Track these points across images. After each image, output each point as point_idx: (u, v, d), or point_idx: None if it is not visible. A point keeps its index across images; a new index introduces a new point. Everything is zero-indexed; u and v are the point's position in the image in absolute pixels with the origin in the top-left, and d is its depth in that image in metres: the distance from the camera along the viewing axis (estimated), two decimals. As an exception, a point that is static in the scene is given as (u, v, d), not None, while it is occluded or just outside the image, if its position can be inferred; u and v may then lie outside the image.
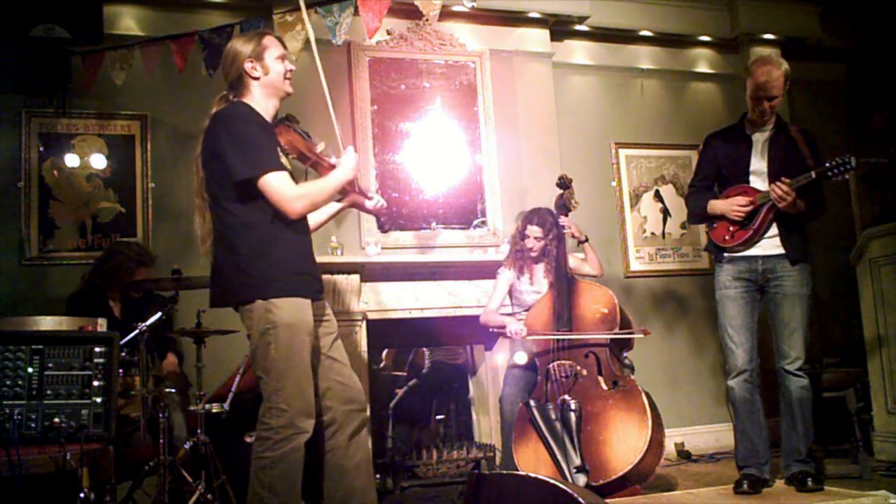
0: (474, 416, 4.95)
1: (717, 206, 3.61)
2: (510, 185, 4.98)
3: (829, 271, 5.07)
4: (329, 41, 4.13)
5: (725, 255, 3.62)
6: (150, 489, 3.34)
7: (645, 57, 5.75)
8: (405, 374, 5.51)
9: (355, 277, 4.40)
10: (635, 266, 5.50)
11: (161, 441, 3.23)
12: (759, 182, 3.56)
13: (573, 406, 3.56)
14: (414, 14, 4.54)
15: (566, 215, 3.98)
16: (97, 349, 2.62)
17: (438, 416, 5.27)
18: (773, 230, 3.53)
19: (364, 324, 4.43)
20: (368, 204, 2.93)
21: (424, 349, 5.31)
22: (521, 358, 3.86)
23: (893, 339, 4.22)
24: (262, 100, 2.68)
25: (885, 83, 5.65)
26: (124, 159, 4.57)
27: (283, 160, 2.65)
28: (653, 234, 5.59)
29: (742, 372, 3.53)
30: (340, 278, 4.37)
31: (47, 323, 3.03)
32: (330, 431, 2.69)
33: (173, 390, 3.50)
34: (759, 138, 3.61)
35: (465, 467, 4.28)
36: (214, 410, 3.38)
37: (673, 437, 4.98)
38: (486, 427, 4.78)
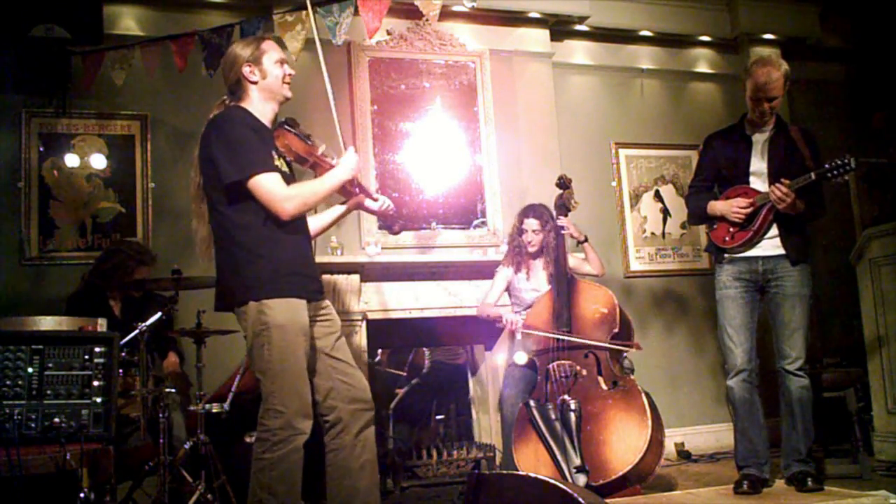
0: (474, 416, 4.95)
1: (717, 207, 3.61)
2: (510, 185, 4.98)
3: (829, 271, 5.07)
4: (329, 41, 4.13)
5: (726, 255, 3.62)
6: (150, 489, 3.35)
7: (645, 57, 5.75)
8: (405, 373, 5.52)
9: (355, 277, 4.40)
10: (635, 266, 5.50)
11: (161, 441, 3.23)
12: (759, 183, 3.56)
13: (573, 406, 3.56)
14: (414, 14, 4.55)
15: (566, 215, 3.98)
16: (97, 349, 2.61)
17: (438, 416, 5.27)
18: (774, 231, 3.53)
19: (364, 324, 4.43)
20: (374, 205, 2.91)
21: (424, 349, 5.32)
22: (521, 358, 3.86)
23: (893, 339, 4.22)
24: (260, 104, 2.68)
25: (885, 83, 5.65)
26: (124, 159, 4.57)
27: (279, 163, 2.64)
28: (653, 234, 5.59)
29: (741, 371, 3.53)
30: (340, 278, 4.37)
31: (47, 323, 3.03)
32: (334, 432, 2.67)
33: (173, 390, 3.49)
34: (760, 139, 3.61)
35: (465, 467, 4.28)
36: (214, 410, 3.38)
37: (673, 437, 4.98)
38: (486, 427, 4.78)
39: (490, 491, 2.38)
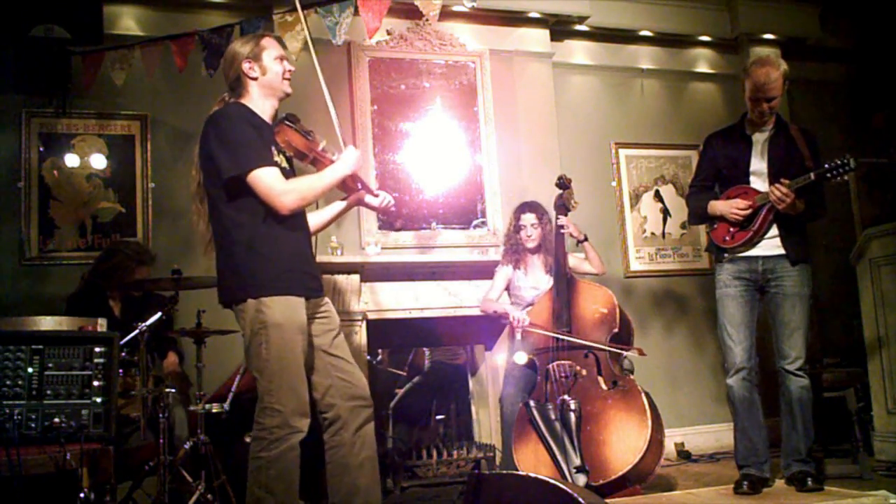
0: (474, 416, 4.95)
1: (716, 207, 3.61)
2: (510, 185, 4.97)
3: (829, 271, 5.07)
4: (329, 41, 4.13)
5: (726, 255, 3.62)
6: (150, 489, 3.35)
7: (645, 57, 5.75)
8: (405, 373, 5.52)
9: (355, 277, 4.40)
10: (635, 266, 5.50)
11: (161, 441, 3.22)
12: (759, 182, 3.56)
13: (573, 406, 3.56)
14: (414, 14, 4.55)
15: (565, 215, 3.98)
16: (97, 349, 2.61)
17: (438, 416, 5.27)
18: (774, 231, 3.53)
19: (364, 324, 4.43)
20: (374, 201, 2.92)
21: (424, 349, 5.32)
22: (521, 358, 3.86)
23: (893, 339, 4.21)
24: (260, 100, 2.68)
25: (885, 83, 5.65)
26: (124, 159, 4.57)
27: (279, 158, 2.64)
28: (653, 234, 5.59)
29: (740, 370, 3.53)
30: (340, 278, 4.37)
31: (47, 323, 3.03)
32: (334, 429, 2.68)
33: (173, 390, 3.49)
34: (760, 138, 3.61)
35: (465, 467, 4.28)
36: (214, 410, 3.38)
37: (673, 437, 4.98)
38: (486, 427, 4.78)
39: (490, 491, 2.38)
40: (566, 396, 3.60)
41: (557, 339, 3.77)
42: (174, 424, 3.54)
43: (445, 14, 4.57)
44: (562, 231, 3.96)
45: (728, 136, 3.73)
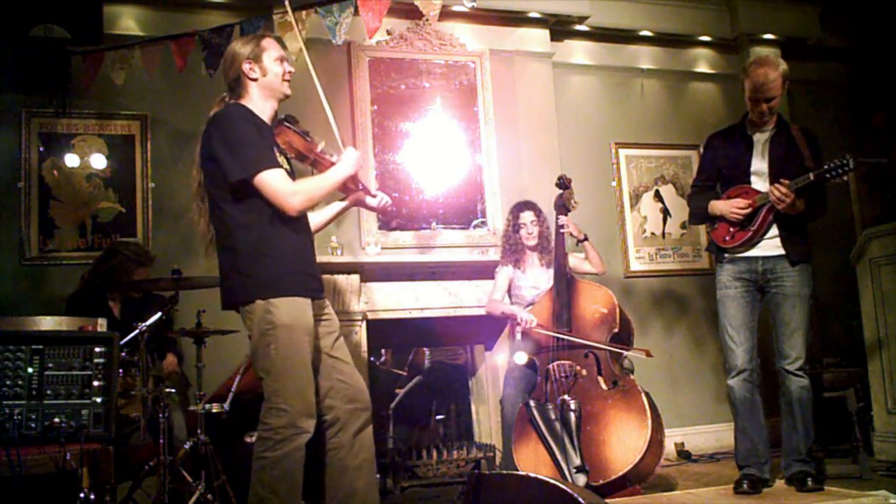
0: (474, 417, 4.95)
1: (717, 206, 3.62)
2: (510, 185, 4.97)
3: (829, 271, 5.06)
4: (329, 41, 4.13)
5: (726, 255, 3.62)
6: (150, 489, 3.34)
7: (645, 57, 5.75)
8: (405, 373, 5.52)
9: (355, 277, 4.40)
10: (635, 266, 5.50)
11: (161, 441, 3.22)
12: (760, 182, 3.56)
13: (573, 406, 3.56)
14: (414, 14, 4.54)
15: (565, 215, 3.98)
16: (97, 349, 2.61)
17: (438, 416, 5.27)
18: (774, 231, 3.53)
19: (364, 324, 4.43)
20: (372, 202, 2.95)
21: (424, 349, 5.32)
22: (521, 358, 3.86)
23: (893, 339, 4.22)
24: (259, 101, 2.68)
25: (885, 83, 5.65)
26: (124, 159, 4.57)
27: (281, 160, 2.65)
28: (653, 234, 5.59)
29: (742, 371, 3.53)
30: (340, 278, 4.37)
31: (47, 323, 3.03)
32: (333, 430, 2.69)
33: (173, 390, 3.49)
34: (760, 138, 3.61)
35: (465, 467, 4.28)
36: (214, 410, 3.38)
37: (673, 437, 4.98)
38: (486, 427, 4.78)
39: (490, 491, 2.38)
40: (566, 396, 3.60)
41: (558, 338, 3.78)
42: (173, 425, 3.54)
43: (445, 14, 4.57)
44: (562, 231, 3.97)
45: (729, 137, 3.73)
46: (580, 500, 2.12)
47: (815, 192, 3.47)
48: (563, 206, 3.98)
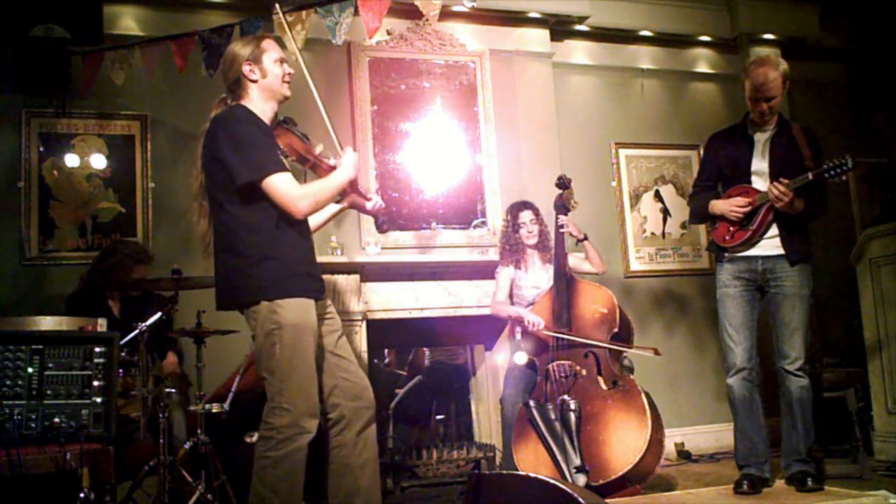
0: (474, 416, 4.95)
1: (717, 206, 3.62)
2: (510, 185, 4.97)
3: (829, 271, 5.06)
4: (329, 41, 4.13)
5: (726, 254, 3.62)
6: (150, 489, 3.34)
7: (645, 57, 5.75)
8: (405, 373, 5.52)
9: (355, 277, 4.40)
10: (635, 266, 5.50)
11: (161, 441, 3.23)
12: (760, 182, 3.56)
13: (573, 406, 3.56)
14: (414, 14, 4.54)
15: (565, 215, 3.98)
16: (97, 349, 2.61)
17: (438, 416, 5.27)
18: (774, 231, 3.54)
19: (364, 324, 4.42)
20: (367, 205, 2.95)
21: (424, 349, 5.32)
22: (521, 358, 3.86)
23: (893, 339, 4.22)
24: (259, 102, 2.68)
25: (885, 83, 5.65)
26: (124, 159, 4.57)
27: (283, 162, 2.65)
28: (653, 234, 5.59)
29: (741, 370, 3.54)
30: (340, 278, 4.37)
31: (47, 323, 3.03)
32: (337, 429, 2.70)
33: (173, 390, 3.49)
34: (761, 138, 3.61)
35: (465, 467, 4.28)
36: (214, 410, 3.38)
37: (673, 437, 4.98)
38: (486, 427, 4.78)
39: (490, 491, 2.39)
40: (566, 396, 3.60)
41: (558, 338, 3.78)
42: (173, 425, 3.54)
43: (445, 14, 4.57)
44: (561, 231, 3.96)
45: (730, 136, 3.73)
46: (580, 500, 2.12)
47: (816, 192, 3.47)
48: (563, 206, 3.98)
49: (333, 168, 2.76)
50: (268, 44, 2.70)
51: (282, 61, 2.71)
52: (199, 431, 3.31)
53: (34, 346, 2.57)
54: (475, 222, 4.94)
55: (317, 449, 2.66)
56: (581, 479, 3.37)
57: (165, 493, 3.17)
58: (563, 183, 3.98)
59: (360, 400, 2.73)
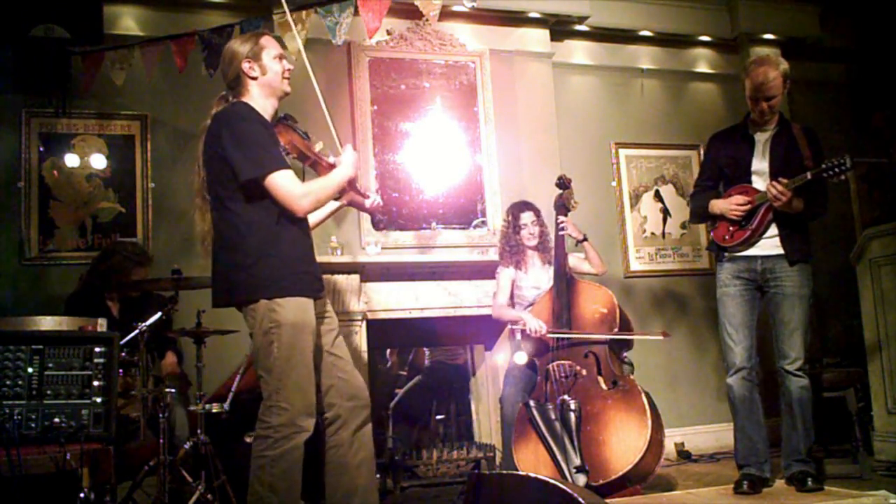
0: (474, 416, 4.95)
1: (717, 205, 3.62)
2: (510, 185, 4.97)
3: (829, 271, 5.06)
4: (329, 41, 4.13)
5: (726, 254, 3.62)
6: (150, 489, 3.34)
7: (645, 57, 5.75)
8: (405, 373, 5.52)
9: (355, 277, 4.40)
10: (635, 266, 5.50)
11: (161, 441, 3.23)
12: (760, 182, 3.56)
13: (573, 406, 3.56)
14: (414, 14, 4.54)
15: (565, 215, 3.98)
16: (97, 349, 2.62)
17: (438, 416, 5.27)
18: (773, 230, 3.54)
19: (364, 324, 4.42)
20: (366, 202, 2.96)
21: (424, 349, 5.32)
22: (521, 358, 3.85)
23: (893, 339, 4.21)
24: (260, 99, 2.68)
25: (885, 83, 5.65)
26: (124, 159, 4.57)
27: (286, 159, 2.65)
28: (653, 234, 5.59)
29: (740, 370, 3.54)
30: (340, 278, 4.37)
31: (47, 323, 3.03)
32: (333, 428, 2.70)
33: (173, 390, 3.49)
34: (762, 138, 3.61)
35: (465, 467, 4.28)
36: (214, 410, 3.38)
37: (673, 437, 4.98)
38: (486, 427, 4.78)
39: (490, 491, 2.38)
40: (566, 396, 3.60)
41: (558, 338, 3.77)
42: (174, 425, 3.54)
43: (445, 14, 4.57)
44: (561, 231, 3.96)
45: (730, 136, 3.73)
46: (580, 500, 2.12)
47: (815, 192, 3.47)
48: (563, 206, 3.97)
49: (333, 166, 2.76)
50: (266, 40, 2.70)
51: (281, 57, 2.71)
52: (199, 431, 3.31)
53: (34, 346, 2.57)
54: (475, 222, 4.94)
55: (314, 448, 2.66)
56: (581, 479, 3.37)
57: (165, 493, 3.17)
58: (563, 183, 3.98)
59: (356, 399, 2.73)
